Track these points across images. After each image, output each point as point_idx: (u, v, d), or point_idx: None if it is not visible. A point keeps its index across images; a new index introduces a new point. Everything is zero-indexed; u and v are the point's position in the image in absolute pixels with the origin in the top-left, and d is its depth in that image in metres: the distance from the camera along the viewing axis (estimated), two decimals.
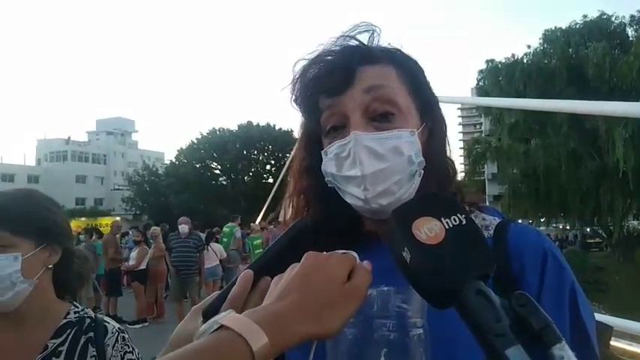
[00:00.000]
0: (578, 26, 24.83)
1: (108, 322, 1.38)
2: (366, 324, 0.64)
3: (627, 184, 20.24)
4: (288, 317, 0.53)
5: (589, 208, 23.16)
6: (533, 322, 0.45)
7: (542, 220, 28.25)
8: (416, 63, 0.85)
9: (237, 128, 41.02)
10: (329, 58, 0.80)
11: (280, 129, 40.85)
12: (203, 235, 10.16)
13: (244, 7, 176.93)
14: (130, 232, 11.65)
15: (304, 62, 0.82)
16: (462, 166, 29.68)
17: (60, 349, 1.26)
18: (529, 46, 25.72)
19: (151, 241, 9.98)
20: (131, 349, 1.37)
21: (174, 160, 42.37)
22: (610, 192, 21.68)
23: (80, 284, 1.47)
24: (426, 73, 0.86)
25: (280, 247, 0.72)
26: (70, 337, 1.29)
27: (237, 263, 11.17)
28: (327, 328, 0.54)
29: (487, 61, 26.36)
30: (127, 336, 1.38)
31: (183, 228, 8.95)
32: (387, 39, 0.84)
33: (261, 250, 12.15)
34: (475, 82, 27.61)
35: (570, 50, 24.10)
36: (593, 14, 25.38)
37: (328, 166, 0.80)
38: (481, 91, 26.31)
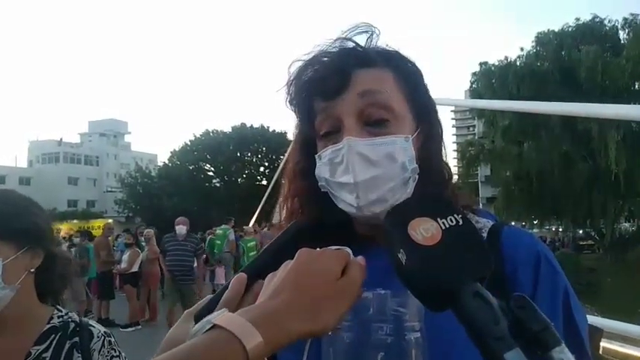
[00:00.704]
0: (570, 29, 25.05)
1: (93, 326, 1.34)
2: (363, 328, 0.63)
3: (619, 187, 20.41)
4: (282, 315, 0.52)
5: (581, 210, 23.33)
6: (532, 325, 0.44)
7: (535, 222, 28.40)
8: (414, 65, 0.83)
9: (230, 130, 40.95)
10: (325, 59, 0.78)
11: (274, 131, 40.82)
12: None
13: (239, 8, 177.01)
14: (121, 235, 11.58)
15: (300, 63, 0.80)
16: (456, 168, 29.76)
17: (44, 355, 1.23)
18: (522, 49, 25.93)
19: (143, 243, 9.90)
20: (118, 353, 1.34)
21: (167, 161, 42.23)
22: (602, 194, 21.85)
23: (63, 287, 1.43)
24: (425, 78, 0.85)
25: (274, 249, 0.71)
26: (54, 342, 1.25)
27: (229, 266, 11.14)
28: (321, 324, 0.54)
29: (480, 64, 26.55)
30: (113, 340, 1.35)
31: (181, 229, 8.06)
32: (386, 40, 0.83)
33: (254, 252, 12.15)
34: (469, 84, 27.80)
35: (563, 53, 24.29)
36: (586, 17, 25.65)
37: (322, 170, 0.79)
38: (474, 93, 26.45)
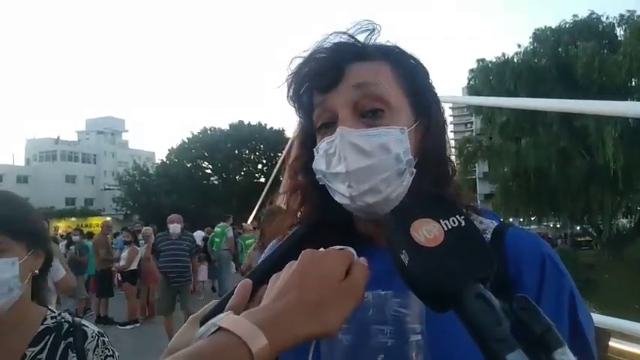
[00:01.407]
0: (568, 26, 25.07)
1: (87, 326, 1.35)
2: (363, 329, 0.62)
3: (617, 183, 20.45)
4: (287, 317, 0.52)
5: (579, 206, 23.38)
6: (534, 326, 0.44)
7: (532, 218, 28.46)
8: (415, 60, 0.83)
9: (228, 127, 40.90)
10: (321, 55, 0.79)
11: (272, 128, 40.80)
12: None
13: (236, 6, 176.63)
14: (120, 233, 11.56)
15: (299, 60, 0.81)
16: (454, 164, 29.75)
17: (39, 356, 1.23)
18: (519, 46, 25.98)
19: (142, 241, 9.88)
20: (111, 352, 1.35)
21: (165, 159, 42.16)
22: (600, 190, 21.90)
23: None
24: (428, 71, 0.85)
25: (280, 254, 0.70)
26: (48, 343, 1.26)
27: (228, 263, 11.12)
28: (326, 326, 0.53)
29: (478, 61, 26.56)
30: (106, 339, 1.36)
31: (175, 228, 7.52)
32: (387, 37, 0.83)
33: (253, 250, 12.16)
34: (466, 81, 27.78)
35: (560, 49, 24.31)
36: (583, 14, 25.65)
37: (319, 163, 0.79)
38: (472, 90, 26.46)
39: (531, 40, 25.63)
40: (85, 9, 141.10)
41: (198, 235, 13.29)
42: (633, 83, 22.56)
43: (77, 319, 1.38)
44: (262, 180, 34.52)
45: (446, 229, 0.53)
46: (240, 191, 35.47)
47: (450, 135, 0.91)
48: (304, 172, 0.86)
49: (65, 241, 11.89)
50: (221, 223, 12.40)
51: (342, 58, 0.78)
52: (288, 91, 0.83)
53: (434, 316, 0.53)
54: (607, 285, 18.73)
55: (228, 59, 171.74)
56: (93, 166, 62.61)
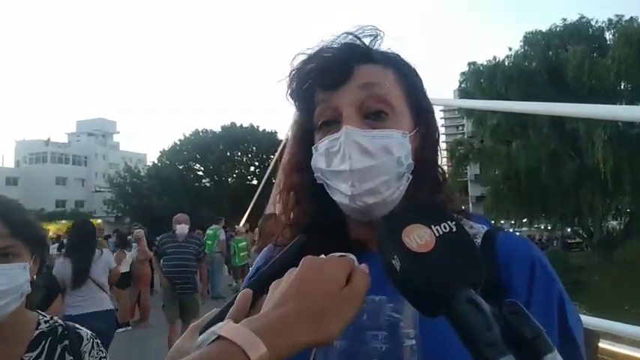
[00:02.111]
0: (558, 29, 25.29)
1: (80, 329, 1.37)
2: (357, 335, 0.62)
3: (607, 185, 20.63)
4: (287, 325, 0.52)
5: (570, 208, 23.56)
6: (524, 331, 0.44)
7: (523, 220, 28.63)
8: (414, 70, 0.85)
9: (220, 129, 40.81)
10: (329, 53, 0.80)
11: (264, 130, 40.75)
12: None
13: (228, 8, 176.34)
14: (112, 236, 11.49)
15: (303, 57, 0.82)
16: (445, 167, 29.82)
17: None
18: (510, 49, 26.11)
19: (134, 243, 9.78)
20: (105, 354, 1.38)
21: (156, 161, 41.95)
22: (590, 193, 22.07)
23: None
24: (424, 82, 0.87)
25: (280, 263, 0.69)
26: (45, 348, 1.27)
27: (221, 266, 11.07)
28: (326, 334, 0.53)
29: (469, 64, 26.71)
30: (99, 341, 1.38)
31: (182, 228, 6.75)
32: (388, 44, 0.85)
33: (245, 252, 12.14)
34: (457, 84, 27.92)
35: (550, 53, 24.52)
36: (573, 18, 25.89)
37: (318, 161, 0.79)
38: (463, 93, 26.61)
39: (522, 43, 25.83)
40: (77, 11, 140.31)
41: None
42: (622, 87, 22.78)
43: (69, 322, 1.39)
44: (255, 182, 34.45)
45: (437, 234, 0.53)
46: (232, 193, 35.38)
47: (442, 137, 0.93)
48: (299, 170, 0.86)
49: (57, 244, 11.79)
50: (213, 226, 12.36)
51: (351, 58, 0.79)
52: (290, 86, 0.83)
53: (427, 321, 0.53)
54: (597, 286, 18.87)
55: (220, 61, 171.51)
56: (84, 168, 62.18)
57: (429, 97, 0.88)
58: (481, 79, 25.66)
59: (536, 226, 32.63)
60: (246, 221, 14.60)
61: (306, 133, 0.84)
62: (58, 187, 57.26)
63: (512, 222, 27.43)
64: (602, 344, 2.62)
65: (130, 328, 8.86)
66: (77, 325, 1.38)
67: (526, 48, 25.60)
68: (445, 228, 0.54)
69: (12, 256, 1.18)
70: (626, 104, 19.35)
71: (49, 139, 60.92)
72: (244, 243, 12.37)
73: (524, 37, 25.87)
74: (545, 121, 21.71)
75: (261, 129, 40.88)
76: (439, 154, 0.87)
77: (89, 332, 1.38)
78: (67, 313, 4.10)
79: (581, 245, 31.27)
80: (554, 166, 22.58)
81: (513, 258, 0.75)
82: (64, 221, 28.84)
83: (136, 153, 66.93)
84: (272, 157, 21.91)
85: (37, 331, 1.28)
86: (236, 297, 0.66)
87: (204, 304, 7.50)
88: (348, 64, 0.78)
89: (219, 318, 0.64)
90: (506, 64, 25.31)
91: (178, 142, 40.86)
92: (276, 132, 39.53)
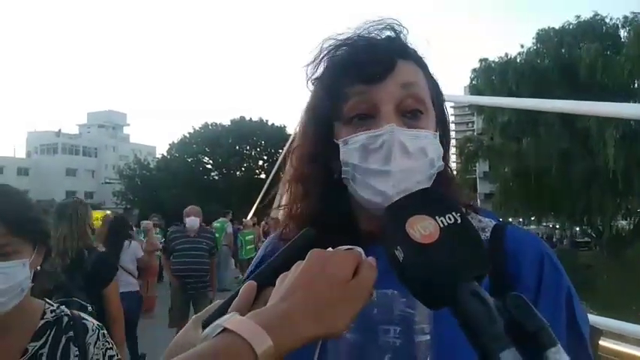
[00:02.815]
0: (571, 27, 24.98)
1: (86, 320, 1.35)
2: (370, 329, 0.61)
3: (617, 185, 20.41)
4: (293, 318, 0.51)
5: (579, 207, 23.34)
6: (528, 325, 0.44)
7: (532, 218, 28.45)
8: (433, 73, 0.85)
9: (229, 123, 40.85)
10: (366, 43, 0.78)
11: (273, 125, 40.73)
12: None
13: (241, 1, 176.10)
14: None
15: (333, 42, 0.79)
16: (454, 164, 29.76)
17: (41, 351, 1.23)
18: (522, 46, 25.88)
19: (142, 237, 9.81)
20: (111, 345, 1.37)
21: (165, 154, 42.11)
22: (600, 192, 21.85)
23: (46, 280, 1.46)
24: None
25: (286, 257, 0.68)
26: (50, 338, 1.26)
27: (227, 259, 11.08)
28: (332, 327, 0.53)
29: (481, 60, 26.46)
30: (105, 332, 1.37)
31: (192, 222, 6.20)
32: (411, 41, 0.83)
33: (252, 245, 12.18)
34: (468, 80, 27.69)
35: (563, 50, 24.24)
36: (586, 15, 25.59)
37: (350, 156, 0.76)
38: (474, 89, 26.38)
39: (534, 40, 25.57)
40: (90, 3, 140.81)
41: None
42: (636, 85, 22.51)
43: (76, 312, 1.38)
44: (263, 176, 34.48)
45: (442, 225, 0.52)
46: (240, 187, 35.44)
47: (452, 134, 0.92)
48: (312, 161, 0.84)
49: None
50: (220, 219, 12.39)
51: (393, 52, 0.77)
52: (315, 71, 0.81)
53: (442, 316, 0.52)
54: (605, 286, 18.73)
55: (230, 55, 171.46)
56: (94, 160, 62.58)
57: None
58: (492, 76, 25.44)
59: (544, 224, 32.40)
60: (253, 215, 14.64)
61: (323, 124, 0.82)
62: (69, 178, 57.69)
63: (521, 220, 27.25)
64: (608, 343, 2.61)
65: None
66: (83, 315, 1.37)
67: (538, 45, 25.34)
68: (450, 219, 0.53)
69: (10, 253, 1.17)
70: (639, 103, 19.16)
71: (60, 130, 61.38)
72: (251, 236, 12.42)
73: (537, 34, 25.61)
74: (556, 119, 21.51)
75: (270, 123, 40.88)
76: (449, 153, 0.86)
77: (95, 323, 1.36)
78: None
79: (589, 244, 31.04)
80: (565, 164, 22.37)
81: (522, 252, 0.75)
82: None
83: (145, 145, 67.20)
84: (280, 151, 21.92)
85: (43, 321, 1.28)
86: (240, 289, 0.65)
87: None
88: (390, 58, 0.76)
89: (223, 310, 0.63)
90: (518, 61, 25.08)
91: (188, 135, 40.97)
92: (285, 126, 39.54)
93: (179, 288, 6.09)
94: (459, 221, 0.53)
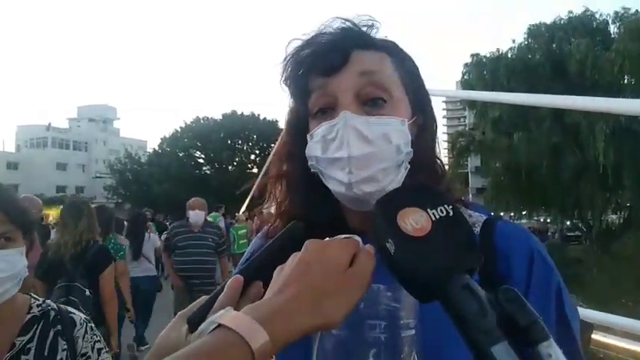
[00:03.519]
0: (562, 22, 25.07)
1: (74, 313, 1.35)
2: (355, 324, 0.61)
3: (607, 179, 20.57)
4: (288, 310, 0.51)
5: (569, 201, 23.52)
6: (520, 318, 0.44)
7: (523, 213, 28.63)
8: (411, 59, 0.83)
9: (221, 117, 40.67)
10: (326, 38, 0.78)
11: (265, 119, 40.61)
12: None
13: None
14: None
15: (298, 42, 0.79)
16: (446, 158, 29.83)
17: (28, 345, 1.23)
18: (514, 41, 25.89)
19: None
20: (99, 337, 1.36)
21: (157, 148, 41.89)
22: (590, 186, 22.01)
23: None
24: (421, 72, 0.85)
25: (271, 251, 0.66)
26: (37, 332, 1.25)
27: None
28: (329, 318, 0.52)
29: (472, 55, 26.48)
30: (93, 325, 1.37)
31: (197, 215, 5.51)
32: (385, 34, 0.83)
33: (245, 240, 12.15)
34: (460, 75, 27.75)
35: (554, 45, 24.31)
36: (577, 10, 25.68)
37: (313, 149, 0.77)
38: (466, 84, 26.42)
39: (526, 35, 25.62)
40: None
41: None
42: (625, 81, 22.64)
43: (62, 306, 1.37)
44: (255, 170, 34.45)
45: (434, 218, 0.52)
46: (232, 181, 35.34)
47: (443, 129, 0.93)
48: (291, 159, 0.84)
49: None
50: (213, 213, 12.31)
51: (348, 44, 0.77)
52: (284, 72, 0.81)
53: (427, 311, 0.52)
54: (595, 279, 18.90)
55: (222, 49, 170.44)
56: (84, 154, 62.13)
57: (431, 87, 0.87)
58: (484, 71, 25.48)
59: (535, 218, 32.61)
60: (245, 209, 14.61)
61: (300, 122, 0.82)
62: (59, 172, 57.25)
63: (512, 214, 27.41)
64: (596, 336, 2.64)
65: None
66: (70, 309, 1.36)
67: (530, 40, 25.40)
68: (442, 212, 0.52)
69: (10, 241, 1.18)
70: (629, 98, 19.28)
71: (49, 124, 60.78)
72: (244, 231, 12.37)
73: (528, 29, 25.66)
74: (546, 114, 21.61)
75: (262, 117, 40.75)
76: (437, 145, 0.85)
77: (82, 316, 1.36)
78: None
79: (580, 238, 31.27)
80: (555, 159, 22.51)
81: (512, 247, 0.75)
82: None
83: (136, 140, 66.82)
84: (273, 145, 21.86)
85: (29, 315, 1.27)
86: (225, 284, 0.64)
87: None
88: (344, 49, 0.76)
89: (208, 306, 0.62)
90: (510, 56, 25.13)
91: (179, 130, 40.75)
92: (277, 121, 39.42)
93: (183, 289, 5.46)
94: (451, 214, 0.53)
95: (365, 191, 0.72)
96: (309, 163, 0.78)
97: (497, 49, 25.84)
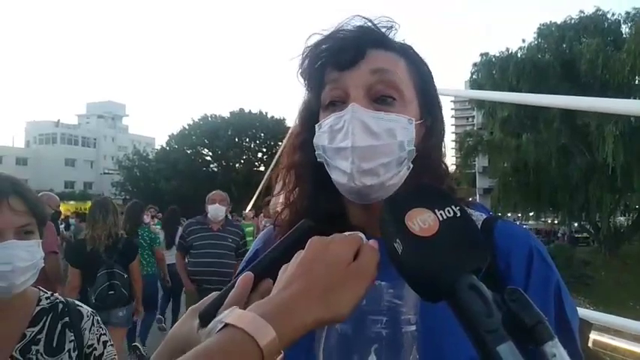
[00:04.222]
0: (573, 21, 24.89)
1: (81, 306, 1.39)
2: (358, 319, 0.61)
3: (616, 181, 20.42)
4: (294, 306, 0.51)
5: (578, 203, 23.37)
6: (525, 318, 0.44)
7: (531, 214, 28.50)
8: (426, 64, 0.85)
9: (229, 115, 40.82)
10: (343, 34, 0.80)
11: (272, 117, 40.74)
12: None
13: None
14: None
15: (318, 37, 0.82)
16: (454, 158, 29.76)
17: (38, 336, 1.26)
18: (524, 41, 25.74)
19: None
20: (104, 331, 1.41)
21: (164, 145, 42.15)
22: (599, 188, 21.87)
23: None
24: (434, 75, 0.86)
25: (283, 248, 0.67)
26: (46, 324, 1.29)
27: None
28: (335, 312, 0.53)
29: (481, 55, 26.36)
30: (99, 319, 1.41)
31: (217, 210, 4.85)
32: (403, 36, 0.85)
33: (252, 238, 12.18)
34: (469, 74, 27.63)
35: (564, 45, 24.15)
36: (589, 10, 25.50)
37: (320, 139, 0.79)
38: (475, 84, 26.32)
39: (536, 35, 25.46)
40: None
41: None
42: (636, 81, 22.45)
43: (70, 299, 1.41)
44: (262, 168, 34.53)
45: (441, 219, 0.52)
46: (239, 179, 35.49)
47: (451, 128, 0.93)
48: (301, 149, 0.86)
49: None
50: None
51: (365, 41, 0.79)
52: (301, 65, 0.83)
53: (428, 307, 0.53)
54: (603, 282, 18.81)
55: (230, 47, 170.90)
56: (93, 150, 62.55)
57: (440, 86, 0.88)
58: (493, 71, 25.35)
59: (543, 219, 32.46)
60: (252, 207, 14.65)
61: (312, 114, 0.84)
62: (67, 168, 57.69)
63: (519, 215, 27.32)
64: (605, 339, 2.62)
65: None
66: (77, 302, 1.40)
67: (540, 40, 25.23)
68: (449, 212, 0.53)
69: (31, 233, 1.23)
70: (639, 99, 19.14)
71: (59, 120, 61.28)
72: (251, 228, 12.39)
73: (539, 28, 25.51)
74: (556, 115, 21.48)
75: (269, 115, 40.86)
76: (444, 149, 0.86)
77: (89, 309, 1.40)
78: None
79: (587, 240, 31.14)
80: (564, 160, 22.39)
81: (511, 246, 0.76)
82: (72, 202, 28.97)
83: (144, 136, 67.26)
84: (280, 143, 21.91)
85: (39, 307, 1.30)
86: (236, 280, 0.64)
87: None
88: (361, 46, 0.78)
89: (219, 301, 0.63)
90: (519, 55, 24.97)
91: (187, 127, 40.96)
92: (284, 119, 39.56)
93: (195, 294, 4.73)
94: (459, 214, 0.53)
95: (365, 184, 0.74)
96: (317, 152, 0.80)
97: (507, 49, 25.71)
